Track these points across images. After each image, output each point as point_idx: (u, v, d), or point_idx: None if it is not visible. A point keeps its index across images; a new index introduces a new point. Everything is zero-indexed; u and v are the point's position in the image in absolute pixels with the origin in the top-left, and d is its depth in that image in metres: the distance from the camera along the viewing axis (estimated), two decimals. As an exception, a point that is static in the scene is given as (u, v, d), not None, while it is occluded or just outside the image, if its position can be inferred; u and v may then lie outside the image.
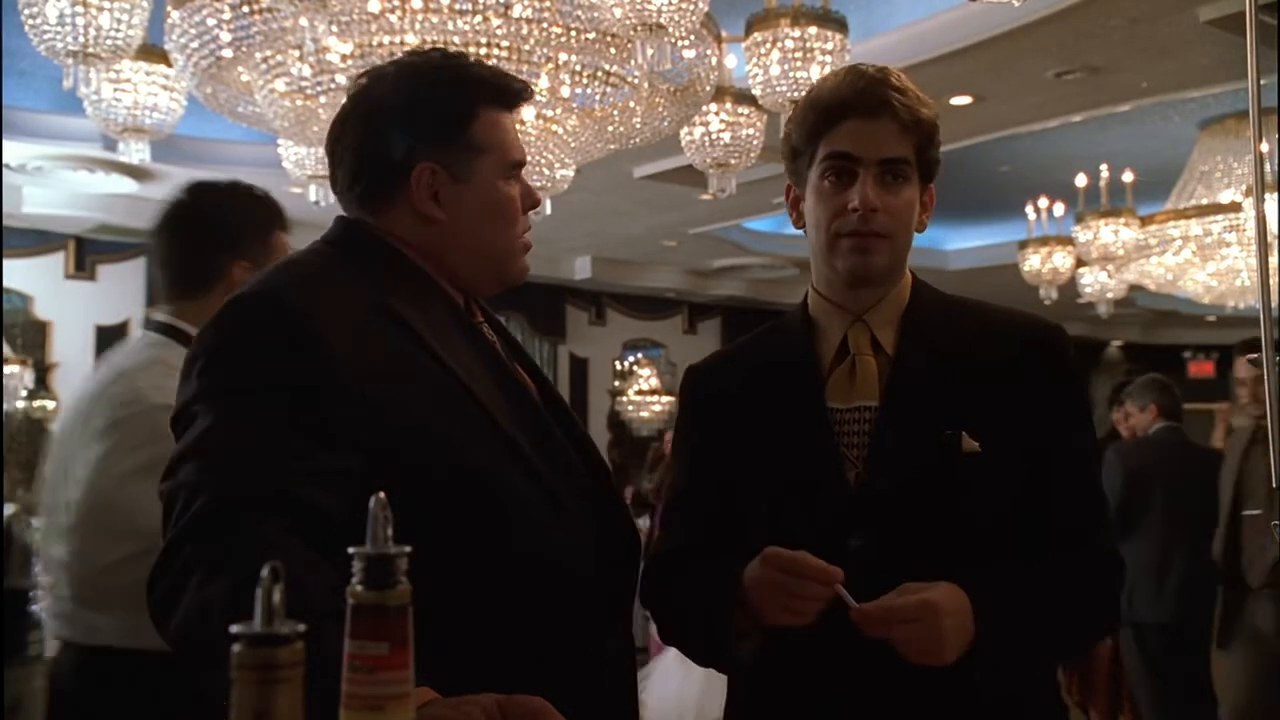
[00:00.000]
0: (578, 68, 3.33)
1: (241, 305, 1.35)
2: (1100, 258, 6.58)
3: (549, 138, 3.55)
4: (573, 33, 3.11)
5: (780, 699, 1.51)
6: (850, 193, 1.49)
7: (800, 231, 1.59)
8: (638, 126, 3.68)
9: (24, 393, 8.10)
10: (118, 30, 3.15)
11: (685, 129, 4.07)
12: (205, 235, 2.28)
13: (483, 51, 2.96)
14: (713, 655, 1.54)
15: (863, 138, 1.49)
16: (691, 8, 3.00)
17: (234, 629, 0.77)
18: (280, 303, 1.33)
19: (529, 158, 2.31)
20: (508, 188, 1.49)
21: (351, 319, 1.33)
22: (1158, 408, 5.19)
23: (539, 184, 3.57)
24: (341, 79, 3.17)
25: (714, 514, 1.58)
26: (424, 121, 1.44)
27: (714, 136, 4.11)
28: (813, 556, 1.36)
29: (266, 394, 1.27)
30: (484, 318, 1.55)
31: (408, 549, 0.86)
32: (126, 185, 7.40)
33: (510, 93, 1.51)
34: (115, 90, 3.64)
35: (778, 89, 3.52)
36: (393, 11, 2.93)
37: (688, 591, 1.54)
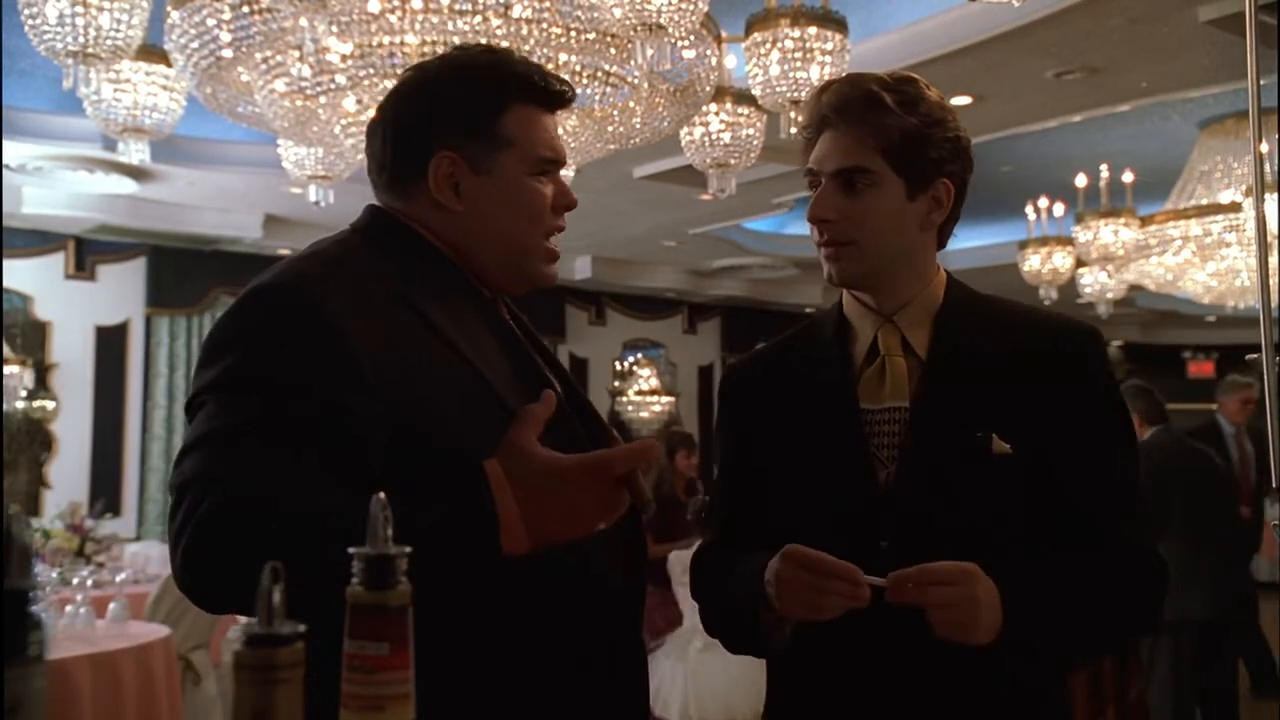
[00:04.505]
0: (578, 68, 3.33)
1: (264, 295, 1.34)
2: (1100, 258, 6.58)
3: (549, 138, 3.55)
4: (573, 33, 3.11)
5: (815, 689, 1.52)
6: None
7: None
8: (638, 126, 3.68)
9: (24, 393, 8.11)
10: (118, 30, 3.16)
11: (685, 129, 4.08)
12: None
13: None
14: (746, 646, 1.57)
15: (822, 152, 1.55)
16: (691, 8, 3.00)
17: (235, 629, 0.76)
18: (301, 295, 1.32)
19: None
20: (535, 184, 1.47)
21: (372, 311, 1.33)
22: (1140, 416, 5.08)
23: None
24: (341, 79, 3.17)
25: (750, 510, 1.61)
26: (450, 112, 1.45)
27: (714, 136, 4.12)
28: (833, 557, 1.37)
29: (282, 391, 1.26)
30: (510, 315, 1.55)
31: (408, 549, 0.86)
32: (126, 185, 7.40)
33: (549, 93, 1.50)
34: (115, 90, 3.65)
35: (778, 89, 3.52)
36: (393, 12, 2.93)
37: (720, 586, 1.57)
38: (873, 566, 1.38)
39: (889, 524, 1.46)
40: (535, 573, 1.31)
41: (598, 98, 3.50)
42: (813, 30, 3.48)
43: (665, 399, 11.06)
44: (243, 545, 1.18)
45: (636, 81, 3.47)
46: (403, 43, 3.03)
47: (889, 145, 1.50)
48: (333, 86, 3.22)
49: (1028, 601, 1.37)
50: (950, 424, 1.48)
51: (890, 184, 1.52)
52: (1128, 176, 6.42)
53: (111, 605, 4.06)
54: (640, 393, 11.01)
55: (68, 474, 8.37)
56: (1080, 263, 7.07)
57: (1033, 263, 7.15)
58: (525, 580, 1.30)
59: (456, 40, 2.96)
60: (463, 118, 1.44)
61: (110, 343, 8.75)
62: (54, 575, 4.09)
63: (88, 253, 8.67)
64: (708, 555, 1.65)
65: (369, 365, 1.28)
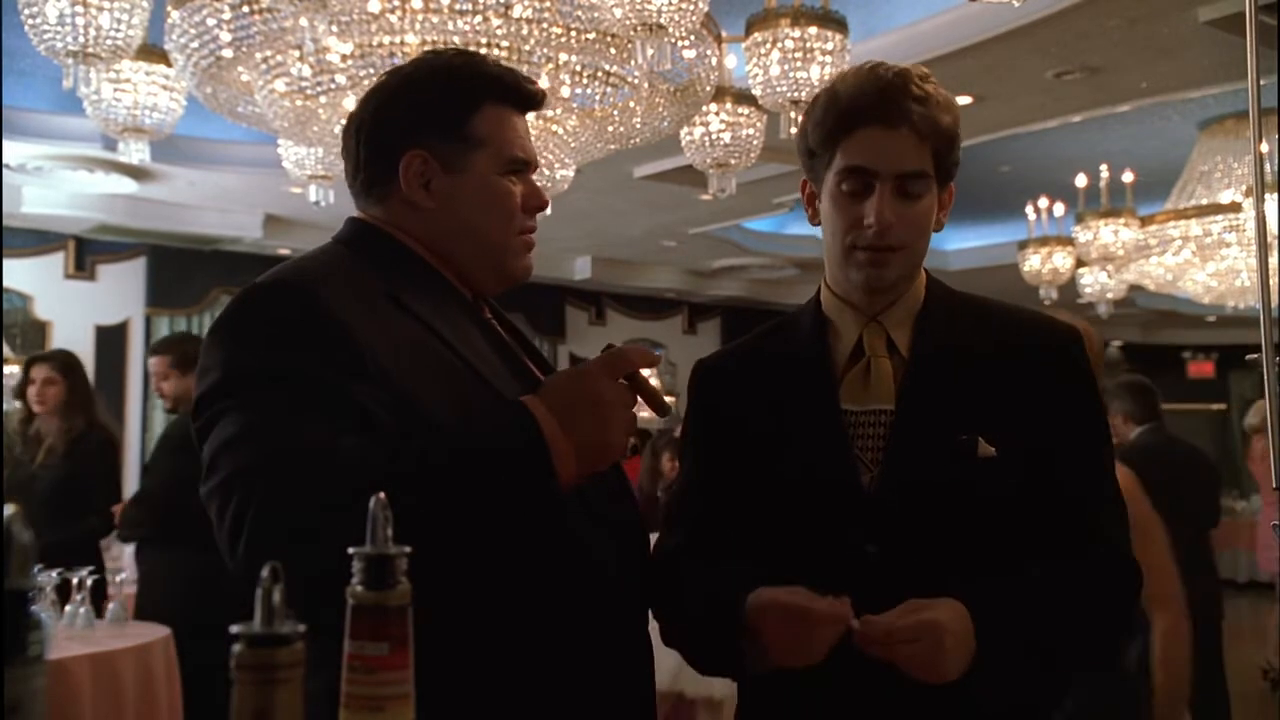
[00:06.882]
0: (578, 68, 3.33)
1: (263, 292, 1.35)
2: (1100, 258, 6.58)
3: (549, 138, 3.56)
4: (573, 33, 3.11)
5: (790, 702, 1.50)
6: (866, 206, 1.46)
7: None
8: (638, 126, 3.68)
9: (24, 392, 8.10)
10: (118, 30, 3.15)
11: (685, 129, 4.08)
12: None
13: (482, 52, 2.97)
14: (720, 669, 1.52)
15: (879, 151, 1.46)
16: (691, 8, 3.00)
17: (234, 629, 0.76)
18: (302, 291, 1.33)
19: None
20: (505, 183, 1.48)
21: (369, 310, 1.34)
22: (1125, 415, 4.82)
23: (539, 184, 3.63)
24: (341, 79, 3.17)
25: (719, 513, 1.56)
26: (421, 111, 1.46)
27: (714, 136, 4.12)
28: (820, 600, 1.34)
29: (291, 380, 1.26)
30: (493, 315, 1.55)
31: (407, 549, 0.86)
32: (126, 185, 7.40)
33: (521, 94, 1.51)
34: (115, 90, 3.65)
35: (778, 89, 3.52)
36: (393, 11, 2.93)
37: (692, 606, 1.50)
38: (857, 572, 1.37)
39: (874, 529, 1.44)
40: (541, 564, 1.32)
41: (598, 98, 3.50)
42: (813, 30, 3.48)
43: (665, 399, 11.04)
44: (314, 506, 1.18)
45: (636, 81, 3.47)
46: (403, 43, 3.03)
47: (939, 147, 1.48)
48: (333, 86, 3.22)
49: (998, 637, 1.35)
50: (935, 427, 1.46)
51: (932, 186, 1.49)
52: (1128, 176, 6.42)
53: (111, 605, 4.06)
54: (640, 393, 11.00)
55: (68, 474, 8.36)
56: (1080, 263, 7.07)
57: (1033, 263, 7.15)
58: (531, 572, 1.31)
59: (456, 40, 2.96)
60: (435, 117, 1.46)
61: (110, 342, 8.74)
62: (54, 575, 4.08)
63: (88, 252, 8.67)
64: (670, 567, 1.55)
65: (370, 358, 1.29)
